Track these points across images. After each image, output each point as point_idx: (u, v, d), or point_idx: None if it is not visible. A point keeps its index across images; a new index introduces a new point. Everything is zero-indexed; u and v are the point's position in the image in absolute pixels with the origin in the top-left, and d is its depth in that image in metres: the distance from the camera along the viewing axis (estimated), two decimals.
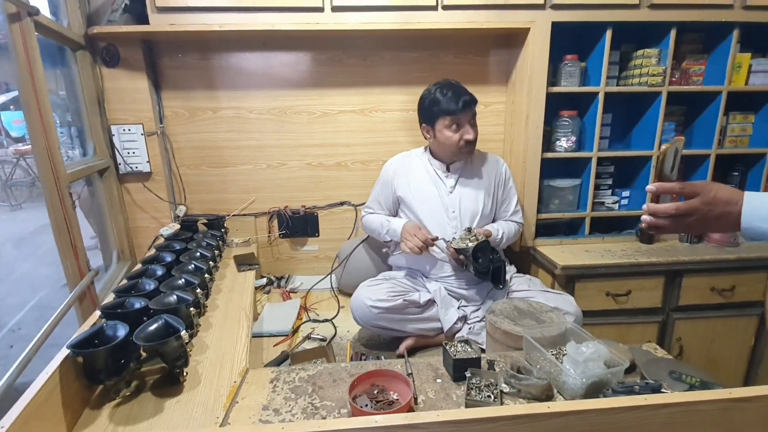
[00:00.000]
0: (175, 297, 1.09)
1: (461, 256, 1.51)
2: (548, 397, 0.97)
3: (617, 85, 1.86)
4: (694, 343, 1.80)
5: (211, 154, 1.96)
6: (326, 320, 1.70)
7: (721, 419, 0.74)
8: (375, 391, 0.97)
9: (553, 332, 1.14)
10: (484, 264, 1.46)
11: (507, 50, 1.92)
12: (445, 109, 1.52)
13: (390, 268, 1.81)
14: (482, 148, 1.74)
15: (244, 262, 1.76)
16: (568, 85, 1.79)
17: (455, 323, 1.51)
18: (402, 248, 1.55)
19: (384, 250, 1.84)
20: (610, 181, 1.96)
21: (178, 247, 1.47)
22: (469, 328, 1.53)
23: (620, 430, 0.73)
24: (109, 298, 1.11)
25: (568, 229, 2.02)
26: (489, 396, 0.95)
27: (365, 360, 1.41)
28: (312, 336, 1.58)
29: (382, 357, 1.45)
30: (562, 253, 1.79)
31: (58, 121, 1.58)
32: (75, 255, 1.32)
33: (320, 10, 1.64)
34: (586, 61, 1.83)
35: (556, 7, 1.67)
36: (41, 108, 1.22)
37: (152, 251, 1.49)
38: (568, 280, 1.72)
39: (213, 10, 1.62)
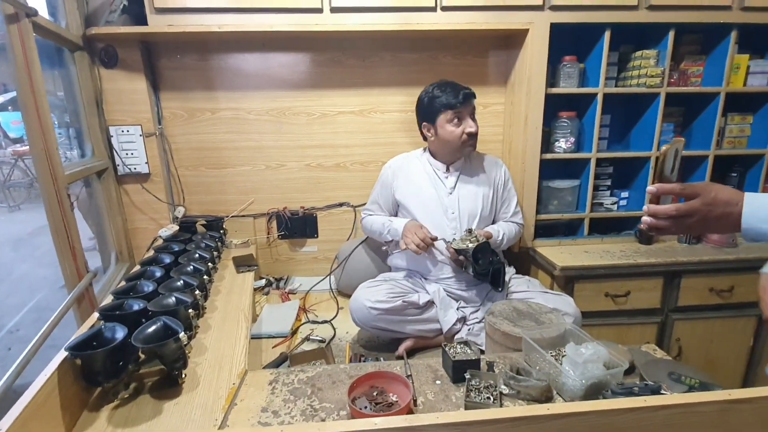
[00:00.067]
0: (173, 299, 1.09)
1: (461, 257, 1.51)
2: (548, 399, 0.97)
3: (616, 86, 1.86)
4: (693, 343, 1.81)
5: (209, 155, 1.95)
6: (325, 321, 1.70)
7: (720, 421, 0.74)
8: (374, 393, 0.97)
9: (552, 333, 1.14)
10: (484, 265, 1.46)
11: (506, 51, 1.92)
12: (446, 103, 1.53)
13: (389, 269, 1.81)
14: (481, 149, 1.74)
15: (243, 264, 1.76)
16: (567, 86, 1.80)
17: (454, 324, 1.51)
18: (401, 245, 1.55)
19: (383, 248, 1.84)
20: (608, 182, 1.96)
21: (176, 249, 1.47)
22: (468, 330, 1.53)
23: None
24: (108, 299, 1.10)
25: (567, 229, 2.02)
26: (488, 397, 0.94)
27: (364, 361, 1.41)
28: (311, 337, 1.58)
29: (382, 358, 1.45)
30: (561, 254, 1.79)
31: (56, 122, 1.58)
32: (73, 256, 1.32)
33: (319, 11, 1.64)
34: (585, 62, 1.83)
35: (555, 8, 1.68)
36: (39, 109, 1.22)
37: (151, 253, 1.49)
38: (567, 281, 1.72)
39: (212, 11, 1.62)
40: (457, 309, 1.55)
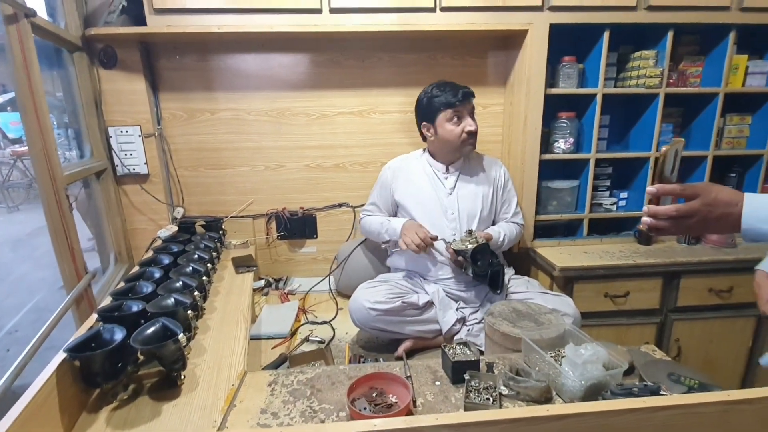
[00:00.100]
0: (172, 300, 1.09)
1: (460, 258, 1.51)
2: (547, 399, 0.97)
3: (615, 86, 1.86)
4: (692, 344, 1.81)
5: (209, 156, 1.95)
6: (324, 322, 1.70)
7: (719, 421, 0.74)
8: (374, 394, 0.97)
9: (551, 334, 1.14)
10: (483, 267, 1.46)
11: (505, 52, 1.92)
12: (446, 101, 1.53)
13: (388, 270, 1.81)
14: (480, 149, 1.74)
15: (242, 264, 1.75)
16: (566, 87, 1.80)
17: (454, 325, 1.51)
18: (400, 244, 1.55)
19: (383, 246, 1.84)
20: (608, 183, 1.96)
21: (175, 249, 1.47)
22: (468, 330, 1.53)
23: None
24: (107, 300, 1.10)
25: (567, 230, 2.02)
26: (488, 398, 0.94)
27: (364, 362, 1.41)
28: (310, 338, 1.58)
29: (381, 359, 1.45)
30: (560, 254, 1.79)
31: (55, 123, 1.58)
32: (72, 257, 1.32)
33: (318, 11, 1.64)
34: (584, 62, 1.84)
35: (554, 8, 1.68)
36: (38, 110, 1.21)
37: (150, 253, 1.48)
38: (567, 281, 1.72)
39: (211, 12, 1.62)
40: (457, 310, 1.55)
